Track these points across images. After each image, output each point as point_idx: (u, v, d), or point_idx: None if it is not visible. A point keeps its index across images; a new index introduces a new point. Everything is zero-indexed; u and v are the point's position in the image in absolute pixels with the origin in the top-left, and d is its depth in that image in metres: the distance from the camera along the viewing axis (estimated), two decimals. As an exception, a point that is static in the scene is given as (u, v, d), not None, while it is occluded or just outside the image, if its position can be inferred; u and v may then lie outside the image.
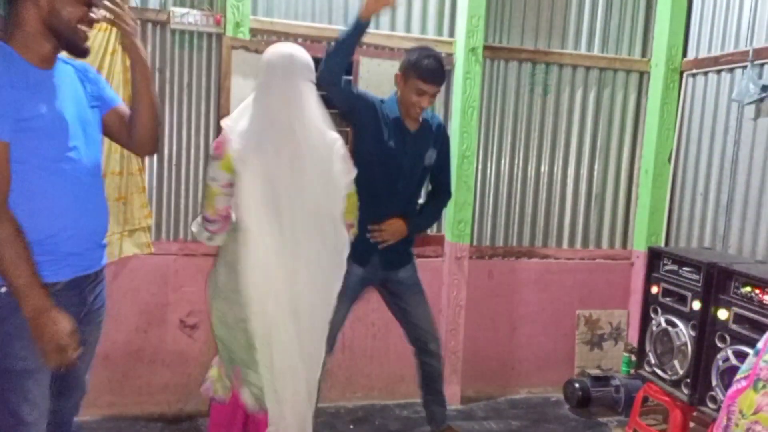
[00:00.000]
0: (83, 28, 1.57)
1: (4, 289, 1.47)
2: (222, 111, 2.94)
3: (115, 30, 2.83)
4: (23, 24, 1.50)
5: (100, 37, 2.82)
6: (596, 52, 3.59)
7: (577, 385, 3.36)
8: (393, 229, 2.55)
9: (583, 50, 3.58)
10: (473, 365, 3.48)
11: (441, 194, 2.78)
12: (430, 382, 2.81)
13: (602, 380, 3.35)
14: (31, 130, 1.47)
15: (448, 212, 3.31)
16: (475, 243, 3.49)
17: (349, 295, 2.46)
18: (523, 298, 3.60)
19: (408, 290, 2.69)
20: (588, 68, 3.58)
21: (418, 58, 2.44)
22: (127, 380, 3.05)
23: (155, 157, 3.04)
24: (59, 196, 1.55)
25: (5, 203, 1.44)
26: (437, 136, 2.68)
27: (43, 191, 1.51)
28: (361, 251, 2.43)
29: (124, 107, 1.83)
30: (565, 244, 3.68)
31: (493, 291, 3.54)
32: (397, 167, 2.53)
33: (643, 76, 3.62)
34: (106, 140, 2.81)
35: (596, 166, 3.68)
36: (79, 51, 1.60)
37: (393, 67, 3.15)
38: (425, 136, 2.62)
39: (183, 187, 3.08)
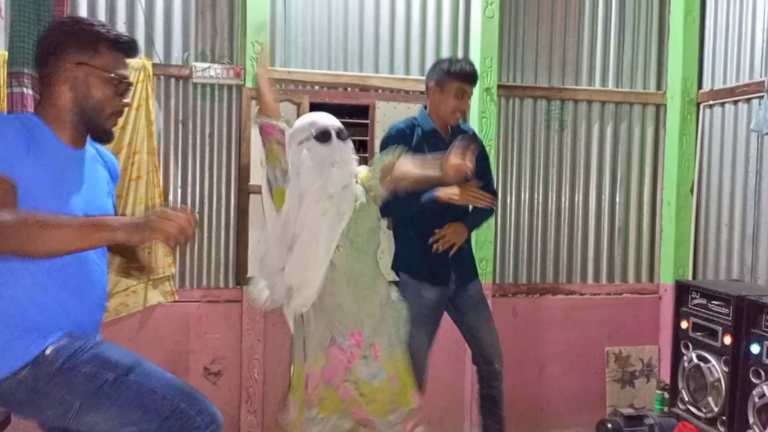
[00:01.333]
0: (113, 116, 1.57)
1: (53, 348, 1.45)
2: (243, 160, 3.02)
3: (139, 87, 2.95)
4: (57, 103, 1.52)
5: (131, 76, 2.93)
6: (611, 87, 3.61)
7: (609, 426, 3.25)
8: (453, 230, 2.54)
9: (597, 86, 3.60)
10: (501, 407, 3.40)
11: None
12: (493, 406, 2.71)
13: (635, 419, 3.24)
14: (38, 202, 1.42)
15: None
16: (497, 281, 3.46)
17: (429, 322, 2.50)
18: (550, 336, 3.54)
19: (477, 306, 2.68)
20: (603, 103, 3.60)
21: (450, 63, 2.59)
22: (153, 429, 3.05)
23: (179, 205, 3.11)
24: (58, 289, 1.50)
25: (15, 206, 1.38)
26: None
27: (43, 282, 1.48)
28: (438, 272, 2.49)
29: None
30: (590, 280, 3.63)
31: (518, 330, 3.48)
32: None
33: (660, 108, 3.62)
34: (132, 188, 2.96)
35: (618, 200, 3.65)
36: (105, 137, 1.60)
37: (408, 109, 3.24)
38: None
39: (206, 234, 3.14)
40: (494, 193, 2.77)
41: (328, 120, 2.17)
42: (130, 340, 3.00)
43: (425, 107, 2.70)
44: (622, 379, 3.58)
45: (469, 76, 2.57)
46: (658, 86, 3.63)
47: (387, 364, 2.09)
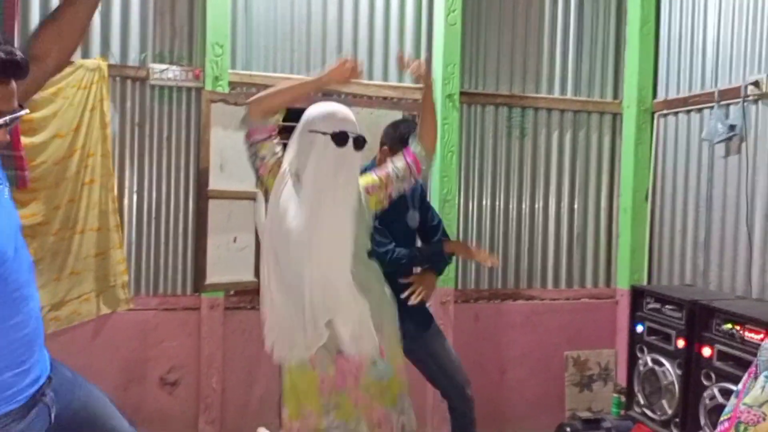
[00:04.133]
0: None
1: None
2: (202, 163, 2.96)
3: (94, 88, 2.86)
4: None
5: (79, 95, 2.85)
6: (570, 95, 3.68)
7: (568, 429, 3.30)
8: (425, 281, 2.48)
9: (557, 94, 3.66)
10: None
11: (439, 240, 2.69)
12: (465, 428, 2.66)
13: (593, 423, 3.30)
14: None
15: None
16: (459, 287, 3.48)
17: None
18: (511, 340, 3.57)
19: (434, 337, 2.61)
20: (563, 111, 3.67)
21: (403, 130, 2.48)
22: (107, 441, 2.95)
23: (135, 211, 3.03)
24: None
25: None
26: (416, 195, 2.63)
27: None
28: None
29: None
30: (549, 285, 3.68)
31: (480, 334, 3.51)
32: (401, 232, 2.53)
33: (616, 117, 3.71)
34: (86, 192, 2.86)
35: (576, 206, 3.72)
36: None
37: (371, 114, 3.23)
38: (405, 199, 2.54)
39: (162, 240, 3.06)
40: (440, 224, 2.73)
41: (348, 119, 2.01)
42: (84, 349, 2.90)
43: (374, 162, 2.54)
44: (580, 383, 3.64)
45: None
46: (615, 95, 3.72)
47: (393, 359, 2.08)
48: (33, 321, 1.40)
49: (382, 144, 2.55)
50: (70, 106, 2.83)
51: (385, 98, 3.36)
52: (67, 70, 2.80)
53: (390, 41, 3.39)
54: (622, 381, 3.41)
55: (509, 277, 3.61)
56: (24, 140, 2.69)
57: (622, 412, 3.30)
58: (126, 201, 3.02)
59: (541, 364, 3.59)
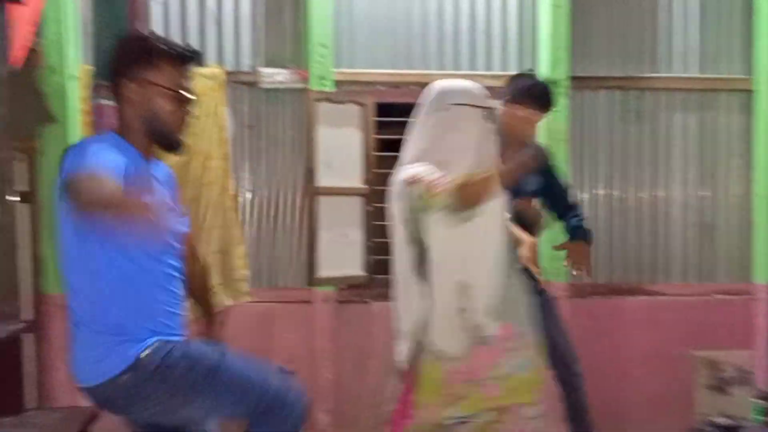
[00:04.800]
0: (180, 127, 1.57)
1: (148, 351, 1.49)
2: (309, 162, 3.05)
3: (211, 94, 3.04)
4: (127, 121, 1.55)
5: (199, 102, 3.04)
6: (693, 74, 3.39)
7: (703, 435, 3.04)
8: (581, 253, 2.40)
9: (678, 73, 3.40)
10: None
11: (570, 211, 2.56)
12: (581, 412, 2.56)
13: (731, 430, 3.01)
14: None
15: (541, 250, 3.18)
16: (573, 281, 3.32)
17: None
18: (631, 339, 3.35)
19: (545, 310, 2.41)
20: (685, 91, 3.39)
21: (529, 85, 2.39)
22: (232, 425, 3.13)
23: (251, 209, 3.19)
24: (161, 275, 1.56)
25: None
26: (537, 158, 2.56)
27: (152, 271, 1.53)
28: None
29: (191, 237, 1.85)
30: (675, 279, 3.42)
31: (596, 332, 3.32)
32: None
33: (749, 95, 3.36)
34: (207, 195, 3.06)
35: (704, 194, 3.42)
36: (176, 149, 1.60)
37: (475, 106, 3.16)
38: None
39: (277, 236, 3.20)
40: (566, 191, 2.61)
41: (484, 92, 1.91)
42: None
43: None
44: (713, 385, 3.34)
45: (546, 103, 2.39)
46: (746, 71, 3.37)
47: (529, 350, 1.92)
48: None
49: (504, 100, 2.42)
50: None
51: (488, 88, 3.26)
52: (188, 79, 3.01)
53: (492, 29, 3.31)
54: (764, 385, 3.08)
55: (629, 271, 3.39)
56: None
57: (766, 419, 2.98)
58: (243, 200, 3.19)
59: (665, 365, 3.34)
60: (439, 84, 1.93)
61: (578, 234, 2.49)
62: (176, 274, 1.63)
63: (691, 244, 3.41)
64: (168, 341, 1.53)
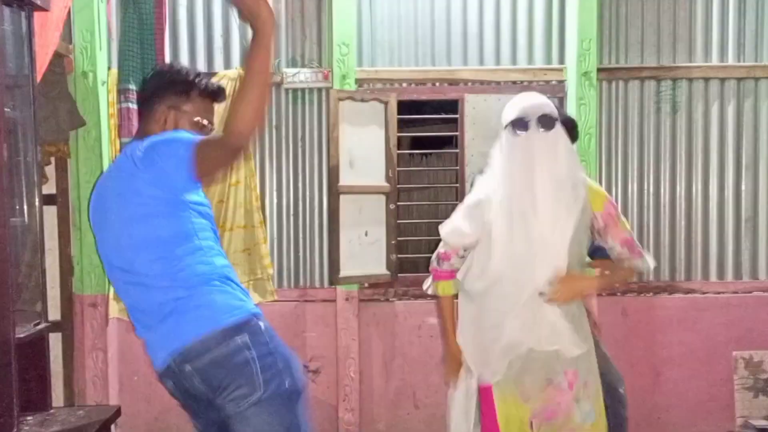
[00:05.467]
0: None
1: (260, 323, 1.52)
2: (332, 161, 3.05)
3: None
4: (149, 133, 1.63)
5: (223, 104, 3.07)
6: (731, 61, 3.24)
7: (739, 439, 2.92)
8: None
9: (714, 61, 3.25)
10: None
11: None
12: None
13: (770, 434, 2.89)
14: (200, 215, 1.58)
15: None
16: (604, 279, 3.22)
17: None
18: (666, 338, 3.23)
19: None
20: (723, 80, 3.25)
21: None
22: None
23: (275, 208, 3.22)
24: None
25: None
26: None
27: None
28: None
29: None
30: (713, 277, 3.28)
31: (628, 331, 3.22)
32: None
33: (791, 81, 3.20)
34: (232, 193, 3.09)
35: (744, 187, 3.27)
36: None
37: (499, 101, 3.10)
38: None
39: (301, 236, 3.21)
40: None
41: (530, 102, 1.83)
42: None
43: None
44: (754, 387, 3.20)
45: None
46: (789, 56, 3.21)
47: (596, 401, 1.88)
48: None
49: None
50: (216, 114, 3.07)
51: (514, 83, 3.21)
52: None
53: (518, 21, 3.23)
54: (808, 388, 2.93)
55: (663, 268, 3.27)
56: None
57: (808, 423, 2.84)
58: (267, 199, 3.21)
59: (703, 366, 3.21)
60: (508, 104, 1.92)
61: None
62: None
63: (730, 239, 3.27)
64: (268, 328, 1.54)
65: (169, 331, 1.51)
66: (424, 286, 2.09)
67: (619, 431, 2.48)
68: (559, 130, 1.83)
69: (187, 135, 1.54)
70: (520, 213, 1.79)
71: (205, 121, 1.70)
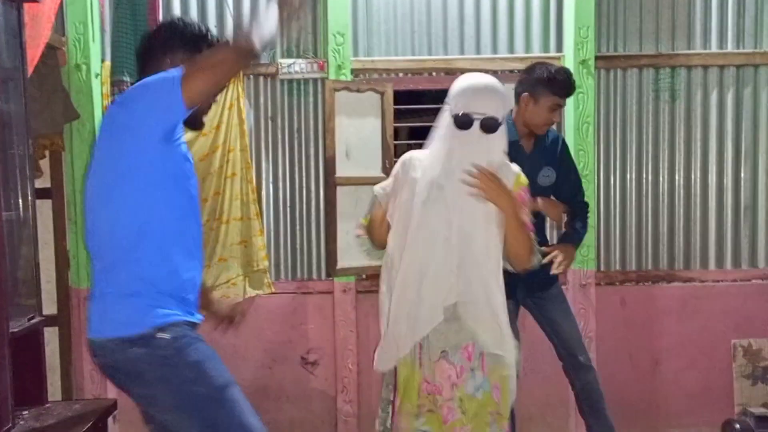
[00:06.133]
0: (206, 109, 1.66)
1: (167, 336, 1.49)
2: (328, 152, 3.03)
3: (230, 87, 3.05)
4: None
5: (219, 95, 3.05)
6: (730, 48, 3.22)
7: (738, 426, 2.93)
8: (566, 253, 2.38)
9: (714, 48, 3.22)
10: (611, 404, 3.12)
11: (578, 211, 2.56)
12: (589, 402, 2.54)
13: (766, 420, 2.88)
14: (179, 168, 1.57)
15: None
16: (602, 268, 3.22)
17: None
18: (665, 328, 3.23)
19: (552, 300, 2.55)
20: (722, 67, 3.22)
21: (548, 74, 2.38)
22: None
23: (271, 200, 3.21)
24: (193, 239, 1.61)
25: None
26: (554, 152, 2.53)
27: (184, 232, 1.58)
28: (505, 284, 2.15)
29: None
30: (711, 265, 3.27)
31: (627, 321, 3.22)
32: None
33: (791, 68, 3.17)
34: (228, 185, 3.08)
35: (743, 175, 3.26)
36: (197, 126, 1.71)
37: (497, 90, 3.08)
38: (540, 155, 2.49)
39: (298, 227, 3.20)
40: (579, 198, 2.57)
41: (485, 97, 1.81)
42: (232, 331, 3.12)
43: (511, 116, 2.44)
44: (752, 374, 3.20)
45: (569, 89, 2.39)
46: (789, 43, 3.18)
47: (492, 373, 1.86)
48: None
49: (518, 94, 2.44)
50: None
51: (511, 71, 3.18)
52: (206, 72, 3.03)
53: (515, 9, 3.20)
54: (807, 375, 2.93)
55: (661, 257, 3.26)
56: (173, 140, 2.96)
57: (807, 410, 2.84)
58: (263, 191, 3.20)
59: (702, 354, 3.21)
60: (462, 76, 1.92)
61: (573, 238, 2.50)
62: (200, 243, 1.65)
63: (729, 228, 3.25)
64: (187, 331, 1.52)
65: (90, 312, 1.56)
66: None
67: (593, 402, 2.52)
68: (500, 132, 1.83)
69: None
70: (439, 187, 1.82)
71: None
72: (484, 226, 1.82)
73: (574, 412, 3.11)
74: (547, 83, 2.36)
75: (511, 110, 2.43)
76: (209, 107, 1.67)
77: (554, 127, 2.61)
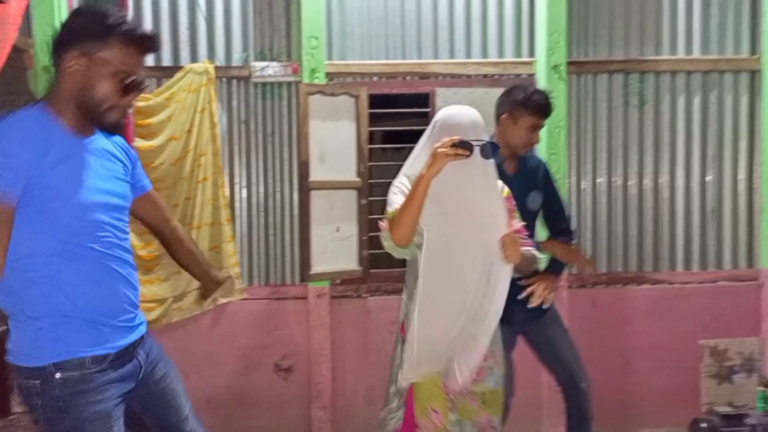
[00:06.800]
0: (113, 110, 1.48)
1: (59, 375, 1.40)
2: (302, 156, 3.01)
3: (202, 90, 3.01)
4: (60, 92, 1.45)
5: (190, 98, 3.01)
6: (697, 54, 3.29)
7: (704, 425, 2.99)
8: (546, 285, 2.34)
9: (681, 54, 3.29)
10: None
11: (563, 235, 2.55)
12: (580, 423, 2.54)
13: (734, 419, 2.95)
14: (51, 203, 1.41)
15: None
16: (574, 271, 3.26)
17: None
18: (635, 329, 3.29)
19: (551, 324, 2.50)
20: (689, 73, 3.29)
21: (525, 96, 2.39)
22: (231, 423, 3.13)
23: (245, 204, 3.17)
24: (85, 280, 1.46)
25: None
26: (538, 176, 2.51)
27: (66, 275, 1.44)
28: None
29: (155, 193, 1.77)
30: (680, 267, 3.34)
31: (599, 322, 3.27)
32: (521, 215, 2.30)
33: (755, 75, 3.26)
34: (200, 190, 3.04)
35: (709, 178, 3.33)
36: (108, 129, 1.53)
37: (470, 94, 3.11)
38: (525, 177, 2.47)
39: (271, 232, 3.17)
40: (565, 223, 2.58)
41: (475, 126, 1.92)
42: (205, 338, 3.10)
43: (494, 137, 2.45)
44: (719, 374, 3.27)
45: (546, 109, 2.40)
46: (752, 50, 3.27)
47: (500, 366, 2.08)
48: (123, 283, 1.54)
49: (498, 116, 2.44)
50: (182, 109, 3.01)
51: (485, 76, 3.21)
52: (178, 75, 2.99)
53: (488, 14, 3.23)
54: (771, 374, 3.02)
55: (631, 259, 3.32)
56: (143, 144, 2.91)
57: (771, 408, 2.92)
58: (236, 196, 3.16)
59: (671, 355, 3.28)
60: (446, 111, 2.00)
61: (556, 267, 2.48)
62: (123, 264, 1.52)
63: (696, 230, 3.33)
64: (84, 381, 1.42)
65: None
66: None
67: (583, 425, 2.52)
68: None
69: None
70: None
71: (126, 72, 1.44)
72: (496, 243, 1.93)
73: (547, 413, 3.16)
74: (525, 103, 2.36)
75: (492, 134, 2.43)
76: (119, 113, 1.50)
77: (536, 150, 2.63)
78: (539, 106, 2.38)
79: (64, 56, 1.42)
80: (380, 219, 2.00)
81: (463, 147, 1.79)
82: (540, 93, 2.42)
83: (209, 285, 1.88)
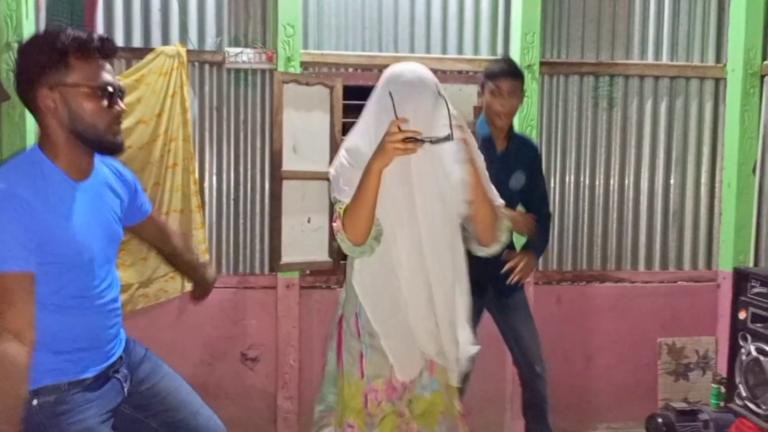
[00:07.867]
0: (112, 125, 1.43)
1: (35, 402, 1.38)
2: (275, 145, 2.98)
3: (174, 74, 2.95)
4: (50, 136, 1.40)
5: (161, 81, 2.95)
6: (665, 60, 3.38)
7: (660, 420, 3.07)
8: (527, 263, 2.44)
9: (650, 59, 3.38)
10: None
11: (543, 221, 2.59)
12: (536, 409, 2.61)
13: (689, 414, 3.05)
14: (54, 257, 1.38)
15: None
16: (540, 268, 3.32)
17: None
18: (598, 326, 3.37)
19: (517, 308, 2.59)
20: (657, 78, 3.37)
21: (489, 65, 2.53)
22: (194, 413, 3.09)
23: (214, 192, 3.13)
24: (67, 327, 1.44)
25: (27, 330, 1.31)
26: (528, 158, 2.56)
27: (47, 325, 1.40)
28: (476, 283, 2.06)
29: (156, 215, 1.73)
30: (641, 267, 3.43)
31: (562, 319, 3.34)
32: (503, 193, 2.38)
33: (719, 82, 3.36)
34: (169, 176, 2.98)
35: (673, 181, 3.43)
36: (113, 150, 1.47)
37: (445, 89, 3.09)
38: (514, 157, 2.50)
39: (241, 221, 3.14)
40: (544, 207, 2.62)
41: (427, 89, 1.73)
42: (171, 326, 3.04)
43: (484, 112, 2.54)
44: (675, 371, 3.38)
45: (502, 70, 2.43)
46: (718, 58, 3.37)
47: (440, 374, 1.85)
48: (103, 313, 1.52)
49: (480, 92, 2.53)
50: (153, 92, 2.94)
51: (460, 72, 3.23)
52: (148, 57, 2.92)
53: (465, 11, 3.25)
54: (723, 371, 3.13)
55: (595, 258, 3.39)
56: (111, 126, 2.83)
57: (722, 404, 3.03)
58: (207, 183, 3.11)
59: (631, 352, 3.37)
60: (392, 70, 1.80)
61: (537, 247, 2.56)
62: (109, 302, 1.51)
63: (658, 231, 3.42)
64: (64, 401, 1.40)
65: None
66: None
67: (538, 409, 2.59)
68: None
69: None
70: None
71: (101, 84, 1.38)
72: (450, 240, 1.77)
73: (510, 407, 3.22)
74: (487, 73, 2.48)
75: (482, 107, 2.54)
76: (115, 123, 1.45)
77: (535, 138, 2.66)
78: (497, 68, 2.46)
79: (35, 97, 1.38)
80: (332, 221, 1.79)
81: (415, 141, 1.57)
82: (502, 60, 2.54)
83: (205, 289, 1.91)
